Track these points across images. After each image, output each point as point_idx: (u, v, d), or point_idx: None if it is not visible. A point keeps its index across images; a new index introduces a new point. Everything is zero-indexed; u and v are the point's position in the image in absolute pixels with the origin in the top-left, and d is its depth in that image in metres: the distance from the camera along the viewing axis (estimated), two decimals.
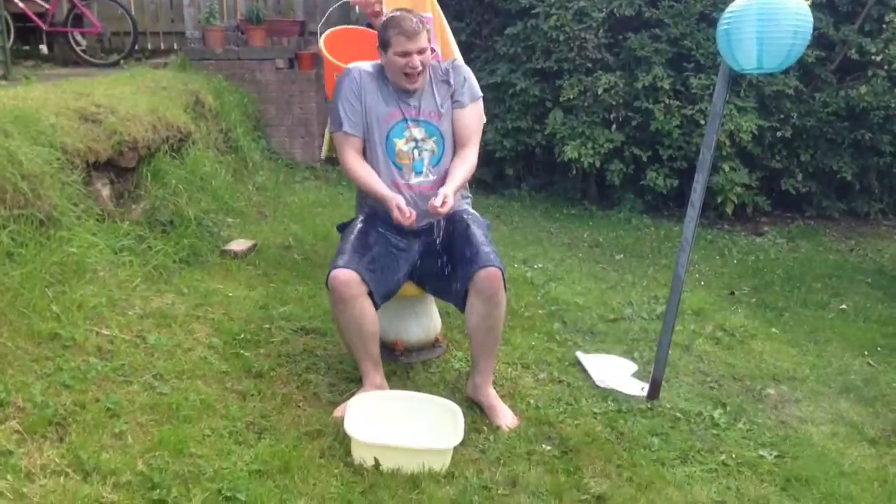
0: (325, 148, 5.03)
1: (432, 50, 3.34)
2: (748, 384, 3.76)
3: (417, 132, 3.19)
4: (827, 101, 6.84)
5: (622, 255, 5.92)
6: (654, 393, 3.45)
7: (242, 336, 3.51)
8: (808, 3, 3.07)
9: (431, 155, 3.21)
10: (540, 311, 4.37)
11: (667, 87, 6.63)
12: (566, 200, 7.41)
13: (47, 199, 3.43)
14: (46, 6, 7.66)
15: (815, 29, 5.90)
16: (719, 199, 6.75)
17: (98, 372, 2.87)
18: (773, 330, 4.51)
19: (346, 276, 2.94)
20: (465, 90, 3.24)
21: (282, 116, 7.70)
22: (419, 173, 3.20)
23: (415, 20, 3.06)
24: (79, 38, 7.94)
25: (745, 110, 6.57)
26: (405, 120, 3.17)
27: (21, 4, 7.45)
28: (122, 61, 7.74)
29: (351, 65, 3.23)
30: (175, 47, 8.36)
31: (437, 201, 3.00)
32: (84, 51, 7.95)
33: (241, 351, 3.37)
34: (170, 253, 4.09)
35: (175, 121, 5.18)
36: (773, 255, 6.16)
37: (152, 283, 3.77)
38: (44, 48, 7.78)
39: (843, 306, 5.00)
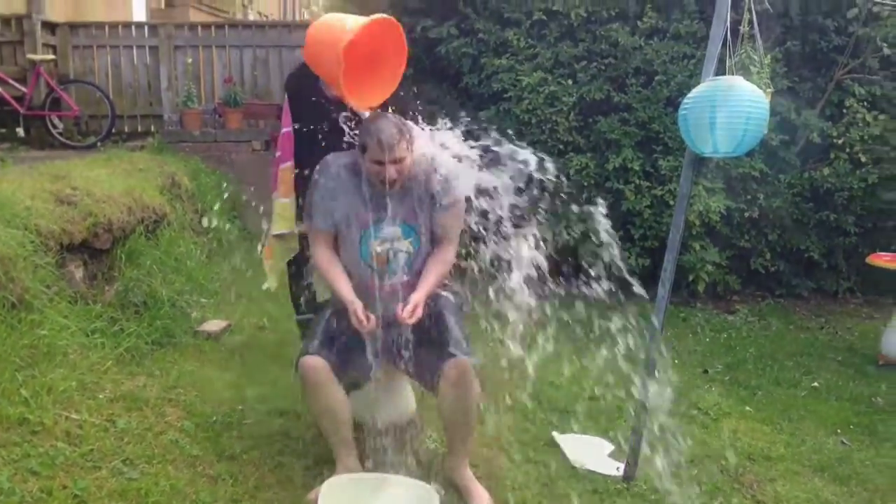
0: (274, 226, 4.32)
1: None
2: (723, 463, 3.76)
3: (392, 232, 3.11)
4: (792, 183, 7.02)
5: (595, 336, 5.93)
6: (630, 473, 3.44)
7: (215, 419, 3.47)
8: (770, 91, 3.21)
9: (407, 256, 3.14)
10: (513, 392, 4.36)
11: (637, 168, 6.77)
12: (540, 279, 7.45)
13: (19, 282, 3.42)
14: (24, 90, 7.76)
15: (777, 114, 6.10)
16: (691, 278, 6.84)
17: (66, 457, 2.82)
18: (747, 408, 4.53)
19: (315, 363, 2.95)
20: (445, 192, 3.09)
21: (258, 198, 7.73)
22: (393, 274, 3.14)
23: (394, 130, 2.93)
24: (56, 121, 8.01)
25: (713, 191, 6.72)
26: (380, 220, 3.09)
27: None
28: (99, 144, 7.81)
29: (329, 157, 3.15)
30: (152, 130, 8.46)
31: (405, 312, 2.95)
32: (61, 133, 8.02)
33: (213, 434, 3.32)
34: (142, 335, 4.07)
35: (151, 202, 5.21)
36: (745, 332, 6.22)
37: (124, 365, 3.73)
38: (20, 131, 7.84)
39: (815, 384, 5.05)
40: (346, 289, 3.05)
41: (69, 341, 3.50)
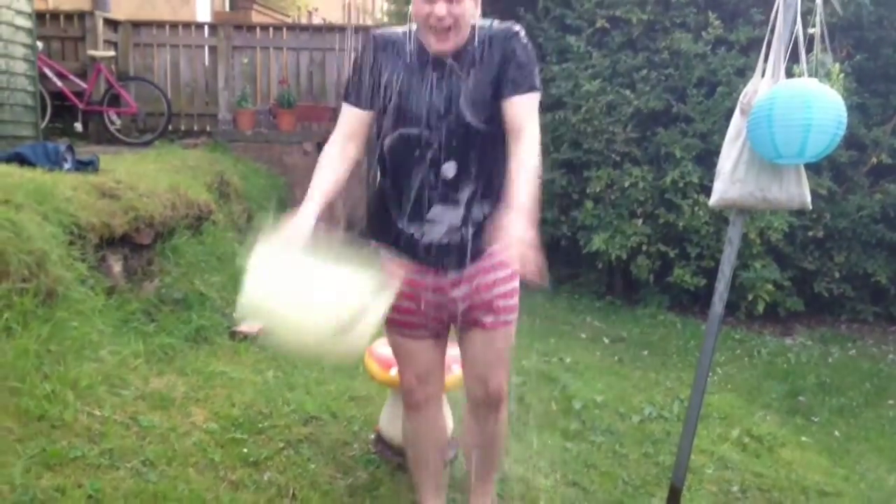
0: None
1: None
2: (776, 496, 3.52)
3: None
4: (861, 203, 6.70)
5: (646, 352, 5.73)
6: (673, 500, 3.23)
7: (242, 421, 3.36)
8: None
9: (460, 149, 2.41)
10: (556, 408, 4.18)
11: (695, 182, 6.54)
12: (591, 293, 7.26)
13: (52, 274, 3.37)
14: (84, 85, 7.83)
15: (846, 130, 5.83)
16: (750, 298, 6.57)
17: (84, 455, 2.74)
18: (804, 438, 4.28)
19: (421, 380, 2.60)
20: (523, 68, 2.34)
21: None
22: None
23: None
24: (113, 117, 8.08)
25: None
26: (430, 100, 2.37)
27: (59, 83, 7.62)
28: (154, 141, 7.85)
29: (375, 32, 2.49)
30: (208, 129, 8.49)
31: (503, 245, 2.06)
32: (118, 130, 8.08)
33: (239, 437, 3.22)
34: (177, 332, 4.00)
35: (196, 199, 5.16)
36: (805, 358, 5.93)
37: (154, 362, 3.66)
38: (78, 126, 7.91)
39: (879, 416, 4.76)
40: (309, 199, 2.37)
41: (100, 336, 3.43)
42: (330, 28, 9.76)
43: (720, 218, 6.47)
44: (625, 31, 6.93)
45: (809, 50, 3.08)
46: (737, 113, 3.10)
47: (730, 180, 3.08)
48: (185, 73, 8.73)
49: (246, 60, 8.60)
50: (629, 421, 4.18)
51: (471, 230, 2.39)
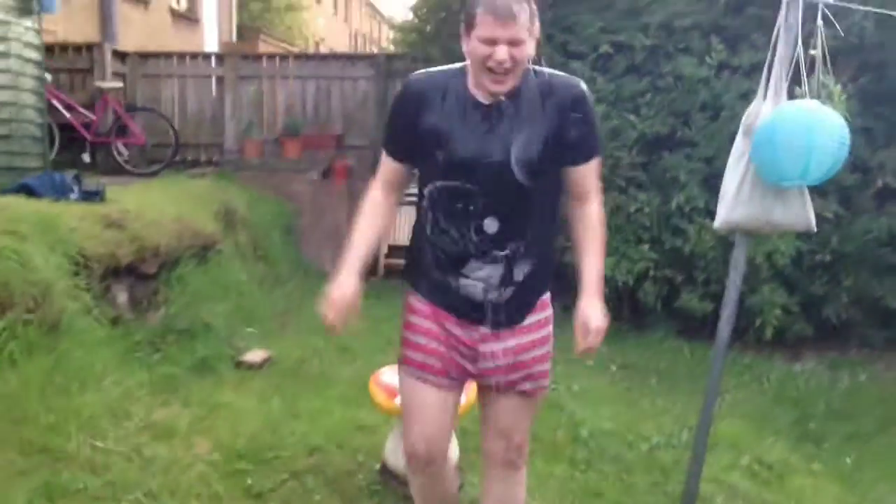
0: None
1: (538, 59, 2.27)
2: None
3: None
4: (868, 227, 6.66)
5: (655, 379, 5.69)
6: None
7: (246, 452, 3.34)
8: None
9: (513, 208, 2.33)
10: (564, 436, 4.14)
11: (701, 206, 6.53)
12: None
13: (57, 305, 3.38)
14: (92, 117, 7.90)
15: (851, 153, 5.81)
16: (758, 323, 6.52)
17: (86, 486, 2.73)
18: (815, 465, 4.22)
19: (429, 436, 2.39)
20: (589, 137, 2.27)
21: (313, 227, 7.72)
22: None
23: None
24: (121, 147, 8.13)
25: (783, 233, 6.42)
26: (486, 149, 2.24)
27: (67, 115, 7.68)
28: (161, 171, 7.89)
29: (414, 75, 2.35)
30: (214, 158, 8.55)
31: (586, 337, 2.22)
32: (126, 161, 8.13)
33: (242, 469, 3.19)
34: (182, 362, 4.00)
35: (202, 229, 5.19)
36: (814, 385, 5.87)
37: (158, 392, 3.65)
38: (86, 157, 7.96)
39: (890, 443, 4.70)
40: (356, 253, 2.31)
41: (104, 366, 3.43)
42: (336, 57, 9.87)
43: (726, 242, 6.44)
44: (628, 57, 6.96)
45: (811, 72, 3.08)
46: (740, 135, 3.11)
47: (734, 203, 3.07)
48: (192, 104, 8.80)
49: (253, 89, 8.67)
50: (637, 449, 4.14)
51: (510, 289, 2.29)
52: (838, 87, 3.16)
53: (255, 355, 4.54)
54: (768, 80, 3.06)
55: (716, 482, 3.79)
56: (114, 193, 5.21)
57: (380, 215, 2.36)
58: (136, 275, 4.37)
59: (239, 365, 4.41)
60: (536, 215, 2.28)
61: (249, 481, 3.12)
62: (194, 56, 9.21)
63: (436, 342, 2.32)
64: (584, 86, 2.25)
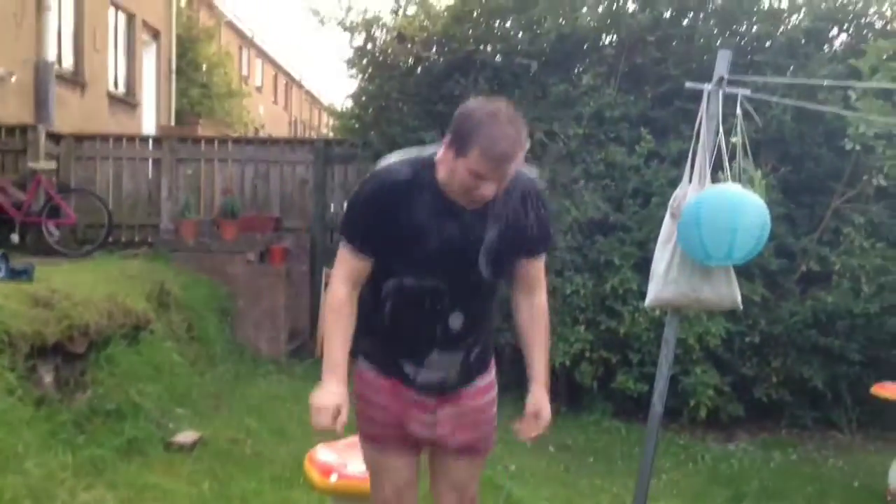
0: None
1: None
2: None
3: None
4: (793, 310, 6.88)
5: (592, 459, 5.70)
6: None
7: None
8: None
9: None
10: None
11: (635, 289, 6.67)
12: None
13: None
14: (22, 197, 7.77)
15: (775, 238, 6.07)
16: (692, 403, 6.61)
17: None
18: None
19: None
20: (544, 231, 2.35)
21: (249, 309, 7.63)
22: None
23: (512, 137, 2.07)
24: (52, 228, 7.98)
25: (713, 314, 6.58)
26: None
27: None
28: (93, 252, 7.76)
29: (381, 168, 2.30)
30: (149, 239, 8.44)
31: (530, 424, 2.39)
32: (57, 241, 7.97)
33: None
34: (108, 444, 3.87)
35: (134, 308, 5.09)
36: (747, 464, 5.94)
37: (84, 475, 3.52)
38: (15, 237, 7.78)
39: None
40: (341, 360, 2.28)
41: (26, 448, 3.30)
42: (275, 141, 9.94)
43: (660, 324, 6.55)
44: (564, 145, 7.18)
45: (733, 158, 3.25)
46: (667, 217, 3.23)
47: (663, 281, 3.17)
48: (127, 185, 8.73)
49: (190, 172, 8.66)
50: None
51: (463, 369, 2.36)
52: (758, 172, 3.34)
53: (186, 437, 4.42)
54: (693, 165, 3.22)
55: None
56: (43, 273, 5.11)
57: (350, 315, 2.30)
58: (64, 354, 4.25)
59: (169, 446, 4.28)
60: (490, 306, 2.39)
61: None
62: (131, 139, 9.18)
63: (392, 415, 2.35)
64: (540, 183, 2.34)
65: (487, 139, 2.04)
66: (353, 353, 2.40)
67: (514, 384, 2.70)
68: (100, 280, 5.33)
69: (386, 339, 2.35)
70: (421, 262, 2.22)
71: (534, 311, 2.41)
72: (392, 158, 2.29)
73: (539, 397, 2.38)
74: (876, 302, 6.65)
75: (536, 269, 2.39)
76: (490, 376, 2.48)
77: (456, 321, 2.28)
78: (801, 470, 5.86)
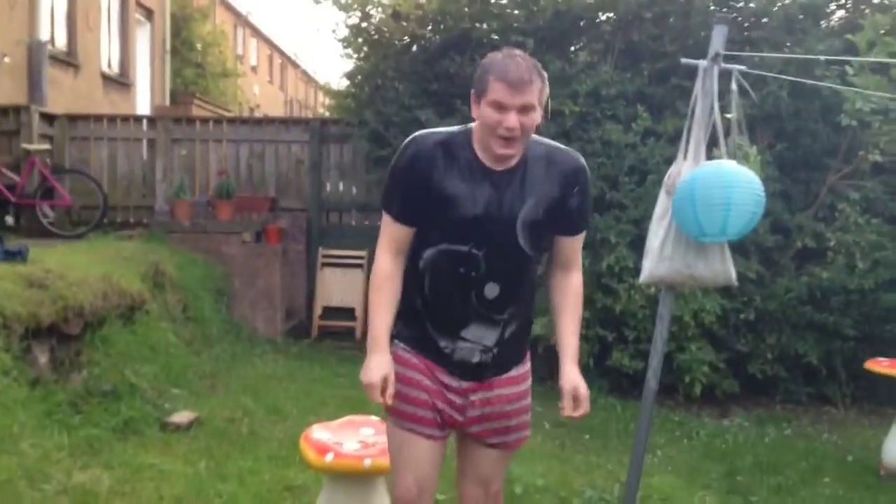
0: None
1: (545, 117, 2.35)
2: None
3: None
4: (789, 287, 6.89)
5: (588, 436, 5.71)
6: None
7: None
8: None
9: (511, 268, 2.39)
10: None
11: (630, 266, 6.67)
12: (532, 379, 7.25)
13: None
14: (16, 179, 7.74)
15: (771, 214, 6.07)
16: (687, 380, 6.63)
17: None
18: None
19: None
20: (584, 210, 2.38)
21: (246, 289, 7.64)
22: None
23: (524, 65, 2.16)
24: (47, 210, 7.97)
25: (708, 291, 6.59)
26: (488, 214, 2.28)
27: None
28: (89, 234, 7.74)
29: (419, 134, 2.34)
30: (144, 221, 8.43)
31: (572, 405, 2.33)
32: (52, 223, 7.96)
33: None
34: (104, 424, 3.88)
35: (129, 289, 5.09)
36: (742, 439, 5.97)
37: (79, 455, 3.54)
38: (10, 219, 7.77)
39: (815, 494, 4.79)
40: (384, 331, 2.31)
41: (21, 428, 3.31)
42: (270, 121, 9.91)
43: (655, 301, 6.56)
44: (559, 123, 7.15)
45: (728, 134, 3.23)
46: (662, 194, 3.23)
47: (658, 258, 3.17)
48: (122, 166, 8.71)
49: (185, 153, 8.63)
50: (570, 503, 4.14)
51: (499, 348, 2.35)
52: (753, 148, 3.33)
53: (181, 416, 4.44)
54: (688, 142, 3.21)
55: None
56: (37, 254, 5.10)
57: (392, 288, 2.33)
58: (59, 335, 4.26)
59: (165, 426, 4.30)
60: (528, 280, 2.37)
61: None
62: (126, 119, 9.15)
63: (426, 394, 2.34)
64: (583, 160, 2.36)
65: (501, 66, 2.15)
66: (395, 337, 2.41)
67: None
68: (95, 261, 5.32)
69: (424, 312, 2.34)
70: (457, 227, 2.24)
71: (569, 289, 2.42)
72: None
73: (573, 375, 2.35)
74: (871, 278, 6.65)
75: (573, 248, 2.41)
76: (525, 366, 2.48)
77: (492, 290, 2.29)
78: (795, 445, 5.89)
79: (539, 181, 2.26)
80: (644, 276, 3.24)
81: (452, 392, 2.35)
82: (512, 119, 2.13)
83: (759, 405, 7.02)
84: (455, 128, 2.33)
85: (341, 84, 8.82)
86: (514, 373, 2.41)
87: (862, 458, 5.57)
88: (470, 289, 2.28)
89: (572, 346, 2.39)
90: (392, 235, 2.32)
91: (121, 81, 13.31)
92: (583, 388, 2.32)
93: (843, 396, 7.13)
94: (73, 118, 8.83)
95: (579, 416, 2.35)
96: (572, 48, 7.62)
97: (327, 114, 12.07)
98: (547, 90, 2.23)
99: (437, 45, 7.64)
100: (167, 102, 14.77)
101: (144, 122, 9.12)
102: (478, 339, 2.31)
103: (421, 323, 2.34)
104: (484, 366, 2.34)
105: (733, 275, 3.21)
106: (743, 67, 3.19)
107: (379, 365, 2.24)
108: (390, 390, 2.24)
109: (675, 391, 6.67)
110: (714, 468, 5.18)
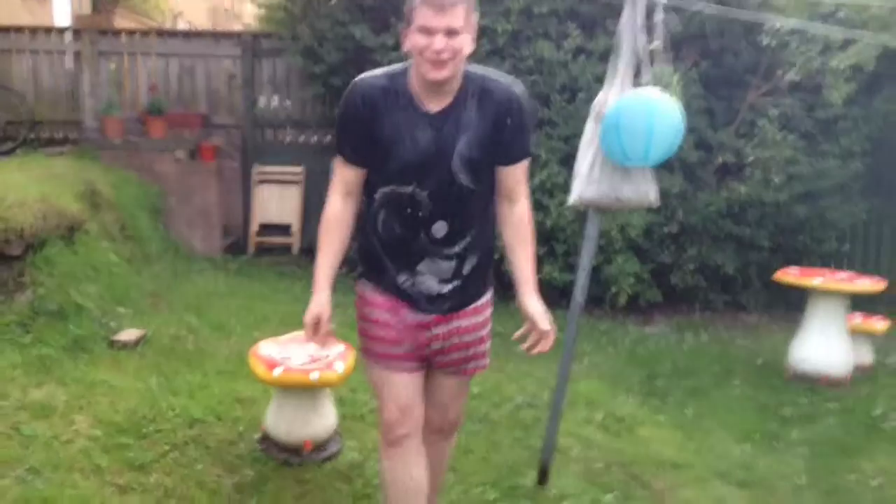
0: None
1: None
2: (634, 470, 3.85)
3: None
4: (709, 201, 7.22)
5: (520, 349, 6.01)
6: (542, 478, 3.50)
7: (126, 427, 3.41)
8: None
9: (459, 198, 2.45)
10: None
11: (561, 183, 6.89)
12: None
13: None
14: None
15: (695, 131, 6.29)
16: (613, 290, 6.97)
17: None
18: (660, 417, 4.65)
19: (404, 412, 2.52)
20: (520, 139, 2.42)
21: (182, 207, 7.64)
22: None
23: None
24: None
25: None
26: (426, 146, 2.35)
27: None
28: (16, 150, 7.60)
29: (359, 78, 2.39)
30: (73, 137, 8.27)
31: (532, 335, 2.42)
32: None
33: (123, 442, 3.27)
34: (54, 343, 3.98)
35: (67, 209, 5.10)
36: (663, 345, 6.36)
37: (33, 374, 3.65)
38: None
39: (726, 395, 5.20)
40: (324, 271, 2.39)
41: None
42: (200, 34, 9.69)
43: (584, 217, 6.83)
44: (492, 40, 7.21)
45: (652, 63, 3.41)
46: (590, 120, 3.41)
47: (586, 181, 3.38)
48: (47, 80, 8.48)
49: (113, 66, 8.43)
50: (503, 409, 4.44)
51: (459, 281, 2.44)
52: (676, 76, 3.51)
53: (128, 334, 4.55)
54: (615, 70, 3.38)
55: (573, 436, 4.13)
56: None
57: (341, 227, 2.41)
58: (1, 257, 4.29)
59: (113, 344, 4.41)
60: (479, 215, 2.44)
61: (131, 454, 3.20)
62: (48, 30, 8.85)
63: (395, 331, 2.44)
64: (518, 88, 2.38)
65: None
66: (356, 275, 2.52)
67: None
68: (30, 180, 5.29)
69: (381, 249, 2.43)
70: (398, 170, 2.32)
71: (515, 217, 2.48)
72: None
73: (532, 301, 2.43)
74: (785, 191, 7.03)
75: (516, 177, 2.44)
76: (486, 296, 2.58)
77: (440, 229, 2.38)
78: (710, 350, 6.31)
79: (472, 117, 2.31)
80: (573, 199, 3.45)
81: (417, 327, 2.44)
82: (439, 41, 2.17)
83: (680, 313, 7.42)
84: (395, 67, 2.38)
85: None
86: (474, 304, 2.51)
87: (770, 361, 6.01)
88: (419, 228, 2.37)
89: (527, 273, 2.48)
90: (342, 177, 2.41)
91: None
92: (543, 314, 2.40)
93: (756, 304, 7.61)
94: None
95: (547, 349, 2.44)
96: None
97: (257, 25, 11.81)
98: (475, 15, 2.28)
99: None
100: (88, 11, 14.20)
101: (69, 33, 8.83)
102: (434, 272, 2.41)
103: (380, 260, 2.44)
104: (445, 297, 2.44)
105: (656, 196, 3.44)
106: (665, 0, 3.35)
107: (314, 305, 2.35)
108: (323, 328, 2.35)
109: (603, 301, 7.00)
110: (636, 373, 5.55)
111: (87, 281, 4.78)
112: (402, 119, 2.30)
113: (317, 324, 2.34)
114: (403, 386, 2.48)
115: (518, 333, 2.46)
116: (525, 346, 2.43)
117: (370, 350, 2.50)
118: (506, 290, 2.73)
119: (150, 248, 6.52)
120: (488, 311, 2.59)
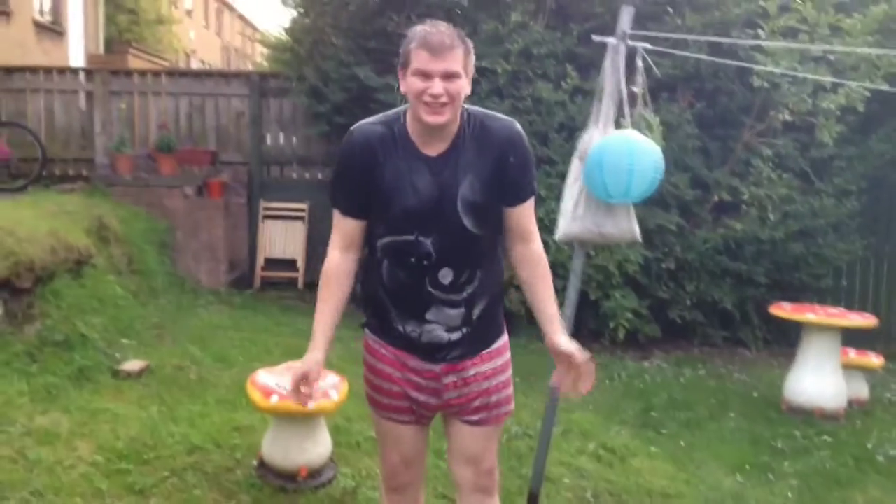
0: None
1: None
2: (625, 499, 3.93)
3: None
4: (706, 237, 7.34)
5: (518, 379, 6.02)
6: None
7: (127, 453, 3.52)
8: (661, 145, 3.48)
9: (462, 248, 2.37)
10: (431, 431, 4.48)
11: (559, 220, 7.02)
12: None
13: None
14: None
15: (690, 170, 6.44)
16: (612, 325, 7.06)
17: None
18: (653, 449, 4.72)
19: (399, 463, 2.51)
20: (524, 176, 2.36)
21: (189, 242, 7.81)
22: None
23: (446, 32, 2.18)
24: None
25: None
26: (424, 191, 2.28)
27: None
28: (28, 187, 7.79)
29: (356, 126, 2.34)
30: (84, 173, 8.48)
31: (568, 377, 2.29)
32: None
33: (124, 468, 3.38)
34: (60, 372, 4.11)
35: (76, 243, 5.26)
36: (659, 379, 6.43)
37: (39, 401, 3.78)
38: None
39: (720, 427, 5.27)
40: (321, 328, 2.32)
41: None
42: (210, 74, 9.94)
43: (584, 254, 6.96)
44: (492, 80, 7.41)
45: (634, 106, 3.57)
46: (575, 160, 3.56)
47: (571, 217, 3.51)
48: (60, 118, 8.71)
49: (124, 105, 8.66)
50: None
51: (469, 328, 2.36)
52: (656, 119, 3.67)
53: (132, 365, 4.68)
54: (598, 112, 3.54)
55: (565, 465, 4.22)
56: None
57: (341, 281, 2.34)
58: (11, 289, 4.44)
59: (117, 374, 4.54)
60: (485, 259, 2.35)
61: (131, 479, 3.31)
62: (62, 71, 9.11)
63: (398, 386, 2.39)
64: (517, 127, 2.34)
65: (422, 35, 2.17)
66: (361, 325, 2.48)
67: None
68: (40, 216, 5.46)
69: (387, 300, 2.37)
70: (399, 218, 2.25)
71: (534, 256, 2.39)
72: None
73: (563, 338, 2.32)
74: (781, 229, 7.16)
75: (524, 217, 2.37)
76: (502, 340, 2.49)
77: (446, 276, 2.30)
78: (707, 384, 6.37)
79: (473, 159, 2.26)
80: (559, 234, 3.58)
81: (425, 377, 2.37)
82: (437, 87, 2.13)
83: (679, 348, 7.50)
84: (392, 112, 2.34)
85: (280, 34, 8.89)
86: (489, 349, 2.43)
87: (767, 395, 6.08)
88: (424, 276, 2.29)
89: (551, 312, 2.37)
90: (341, 230, 2.34)
91: (53, 29, 13.08)
92: (579, 353, 2.27)
93: (755, 339, 7.68)
94: (8, 70, 8.76)
95: (585, 391, 2.30)
96: (505, 8, 7.85)
97: (266, 64, 12.10)
98: (472, 58, 2.23)
99: (375, 2, 7.79)
100: (101, 51, 14.54)
101: (82, 73, 9.09)
102: (443, 321, 2.33)
103: (386, 310, 2.38)
104: (455, 345, 2.36)
105: (638, 232, 3.56)
106: (648, 46, 3.51)
107: (305, 363, 2.27)
108: (305, 391, 2.27)
109: (602, 335, 7.10)
110: (632, 406, 5.62)
111: (93, 313, 4.92)
112: (402, 166, 2.25)
113: (304, 380, 2.28)
114: (407, 438, 2.46)
115: (555, 377, 2.35)
116: (565, 389, 2.33)
117: (374, 400, 2.46)
118: (506, 324, 2.69)
119: (156, 282, 6.68)
120: (507, 354, 2.51)
